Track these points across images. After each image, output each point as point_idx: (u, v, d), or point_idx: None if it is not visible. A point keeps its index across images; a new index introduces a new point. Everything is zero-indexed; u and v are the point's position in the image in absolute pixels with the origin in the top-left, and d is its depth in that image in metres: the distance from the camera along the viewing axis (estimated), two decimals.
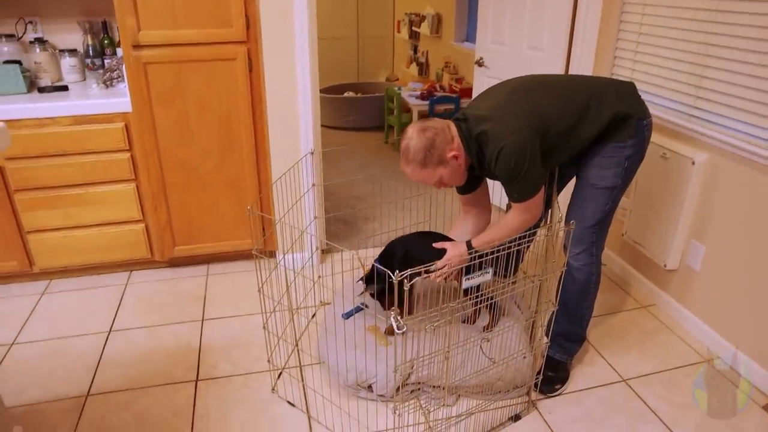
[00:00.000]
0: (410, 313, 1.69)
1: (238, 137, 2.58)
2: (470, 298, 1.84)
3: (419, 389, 1.95)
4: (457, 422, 1.88)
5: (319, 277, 2.74)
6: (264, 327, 2.01)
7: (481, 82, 3.44)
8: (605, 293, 2.65)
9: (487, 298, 1.92)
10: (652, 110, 2.25)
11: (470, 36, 5.02)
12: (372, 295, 2.08)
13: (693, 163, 2.21)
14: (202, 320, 2.45)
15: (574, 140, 1.79)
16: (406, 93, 4.99)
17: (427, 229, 2.18)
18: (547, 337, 2.09)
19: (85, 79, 2.80)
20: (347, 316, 2.17)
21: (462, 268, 1.83)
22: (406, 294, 1.39)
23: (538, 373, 2.01)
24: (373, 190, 3.90)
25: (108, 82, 2.66)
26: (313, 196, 2.69)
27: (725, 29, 2.07)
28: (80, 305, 2.56)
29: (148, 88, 2.40)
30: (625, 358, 2.22)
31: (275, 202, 2.68)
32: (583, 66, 2.78)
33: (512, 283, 2.14)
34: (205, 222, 2.71)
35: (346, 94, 5.67)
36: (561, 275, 1.91)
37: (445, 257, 1.84)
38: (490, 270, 1.59)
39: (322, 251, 2.97)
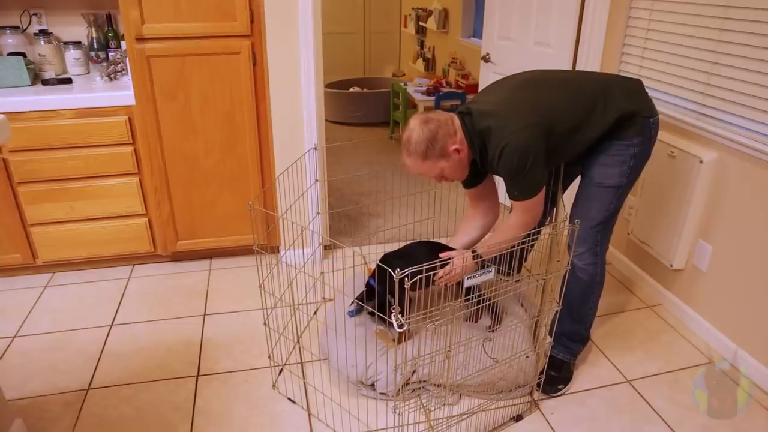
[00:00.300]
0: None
1: (242, 132, 2.56)
2: (471, 298, 1.82)
3: (421, 388, 1.94)
4: (458, 421, 1.86)
5: (322, 273, 2.72)
6: (265, 323, 2.00)
7: (487, 78, 3.41)
8: (610, 292, 2.62)
9: (488, 298, 1.90)
10: (659, 108, 2.23)
11: (477, 31, 4.99)
12: (371, 314, 2.06)
13: (701, 162, 2.18)
14: (204, 315, 2.44)
15: (580, 138, 1.76)
16: (412, 88, 4.96)
17: (425, 238, 2.17)
18: (551, 337, 2.07)
19: (89, 72, 2.80)
20: (353, 313, 2.15)
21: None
22: (406, 294, 1.38)
23: (541, 372, 1.99)
24: (378, 186, 3.89)
25: (112, 75, 2.65)
26: (317, 192, 2.67)
27: (736, 25, 2.04)
28: (83, 298, 2.56)
29: (151, 82, 2.39)
30: (630, 359, 2.19)
31: (279, 197, 2.67)
32: (591, 62, 2.74)
33: (516, 281, 2.12)
34: (208, 216, 2.71)
35: (351, 90, 5.65)
36: (565, 275, 1.89)
37: (450, 265, 1.82)
38: (493, 269, 1.57)
39: (325, 247, 2.96)
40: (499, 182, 1.96)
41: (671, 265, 2.38)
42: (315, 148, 2.56)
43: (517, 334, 1.99)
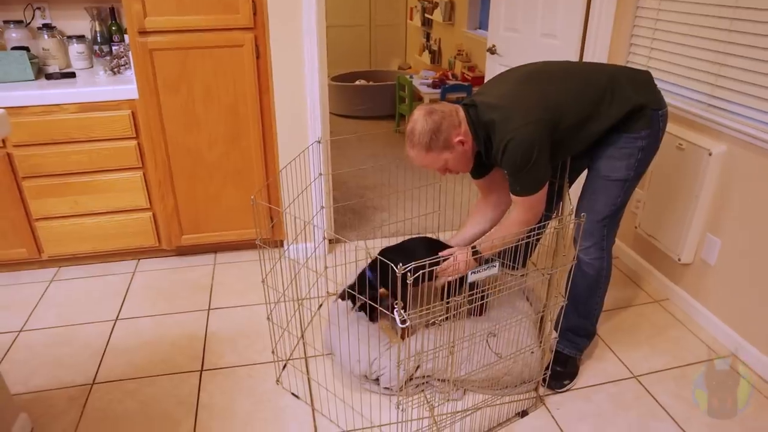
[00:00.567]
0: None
1: (245, 125, 2.55)
2: (476, 293, 1.80)
3: (425, 383, 1.93)
4: (462, 417, 1.85)
5: (326, 267, 2.71)
6: (268, 318, 1.99)
7: (493, 70, 3.37)
8: (617, 287, 2.59)
9: (490, 292, 1.88)
10: (668, 99, 2.19)
11: (483, 23, 4.94)
12: (361, 309, 2.05)
13: (710, 154, 2.14)
14: (209, 309, 2.44)
15: (586, 132, 1.73)
16: (418, 81, 4.93)
17: (429, 231, 2.15)
18: (556, 332, 2.05)
19: (92, 66, 2.79)
20: (359, 308, 2.14)
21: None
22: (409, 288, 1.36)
23: (547, 368, 1.97)
24: (383, 180, 3.87)
25: (115, 69, 2.64)
26: (321, 186, 2.66)
27: (748, 14, 2.00)
28: (88, 293, 2.56)
29: (154, 75, 2.38)
30: (636, 354, 2.17)
31: (283, 191, 2.66)
32: (598, 54, 2.71)
33: (521, 276, 2.10)
34: (212, 210, 2.70)
35: (357, 83, 5.62)
36: (570, 269, 1.87)
37: (450, 261, 1.80)
38: (497, 264, 1.55)
39: (330, 241, 2.94)
40: None
41: (679, 259, 2.35)
42: (319, 142, 2.55)
43: (522, 329, 1.97)
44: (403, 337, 1.95)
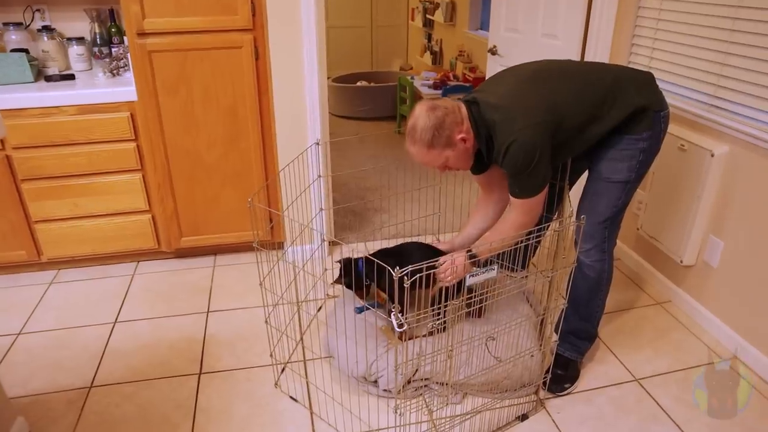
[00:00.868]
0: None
1: (245, 127, 2.54)
2: (474, 296, 1.78)
3: (424, 386, 1.91)
4: (462, 421, 1.83)
5: (326, 269, 2.70)
6: (266, 321, 1.98)
7: (494, 71, 3.35)
8: (618, 289, 2.57)
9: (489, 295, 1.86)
10: (670, 100, 2.17)
11: (484, 24, 4.92)
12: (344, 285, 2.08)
13: (712, 155, 2.12)
14: (207, 312, 2.43)
15: (588, 134, 1.71)
16: (419, 82, 4.92)
17: (429, 233, 2.14)
18: (557, 334, 2.03)
19: (92, 68, 2.78)
20: (360, 310, 2.13)
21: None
22: (406, 292, 1.35)
23: (547, 371, 1.95)
24: (384, 181, 3.85)
25: (115, 71, 2.64)
26: (320, 188, 2.64)
27: (750, 14, 1.98)
28: (87, 295, 2.55)
29: (153, 77, 2.37)
30: (638, 357, 2.15)
31: (282, 193, 2.65)
32: (599, 54, 2.69)
33: (522, 278, 2.08)
34: (211, 212, 2.69)
35: (359, 84, 5.61)
36: (571, 272, 1.85)
37: (447, 264, 1.78)
38: (496, 266, 1.53)
39: (330, 243, 2.93)
40: None
41: (681, 261, 2.33)
42: (317, 143, 2.53)
43: (522, 332, 1.95)
44: (401, 338, 1.94)
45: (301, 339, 2.21)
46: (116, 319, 2.39)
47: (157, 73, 2.37)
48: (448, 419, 1.83)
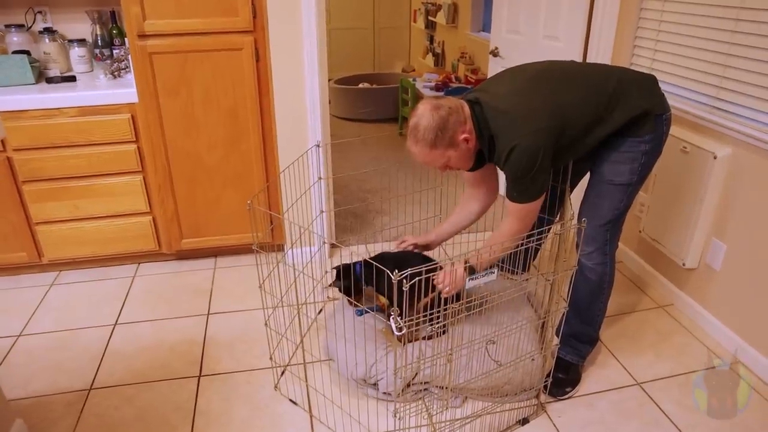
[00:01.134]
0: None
1: (245, 128, 2.54)
2: (474, 300, 1.77)
3: (425, 390, 1.90)
4: (462, 425, 1.82)
5: (326, 272, 2.69)
6: (266, 324, 1.97)
7: (495, 73, 3.35)
8: (620, 292, 2.56)
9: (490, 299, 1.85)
10: (672, 102, 2.16)
11: (486, 25, 4.91)
12: (339, 289, 2.10)
13: (715, 158, 2.11)
14: (208, 314, 2.42)
15: (591, 137, 1.70)
16: (421, 84, 4.91)
17: (410, 239, 2.18)
18: (557, 338, 2.01)
19: (93, 70, 2.79)
20: (360, 313, 2.12)
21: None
22: (406, 296, 1.34)
23: (548, 374, 1.94)
24: (386, 183, 3.85)
25: (116, 73, 2.64)
26: (320, 190, 2.64)
27: (752, 15, 1.97)
28: (88, 297, 2.55)
29: (154, 79, 2.37)
30: (640, 360, 2.14)
31: (283, 195, 2.64)
32: (601, 56, 2.68)
33: (523, 281, 2.07)
34: (212, 214, 2.69)
35: (361, 86, 5.61)
36: (572, 275, 1.84)
37: (444, 276, 1.75)
38: (495, 270, 1.52)
39: (331, 245, 2.92)
40: (501, 175, 1.89)
41: (684, 264, 2.31)
42: (318, 145, 2.53)
43: (523, 335, 1.94)
44: (401, 340, 1.93)
45: (301, 342, 2.20)
46: (117, 320, 2.38)
47: (157, 75, 2.37)
48: (448, 423, 1.82)
